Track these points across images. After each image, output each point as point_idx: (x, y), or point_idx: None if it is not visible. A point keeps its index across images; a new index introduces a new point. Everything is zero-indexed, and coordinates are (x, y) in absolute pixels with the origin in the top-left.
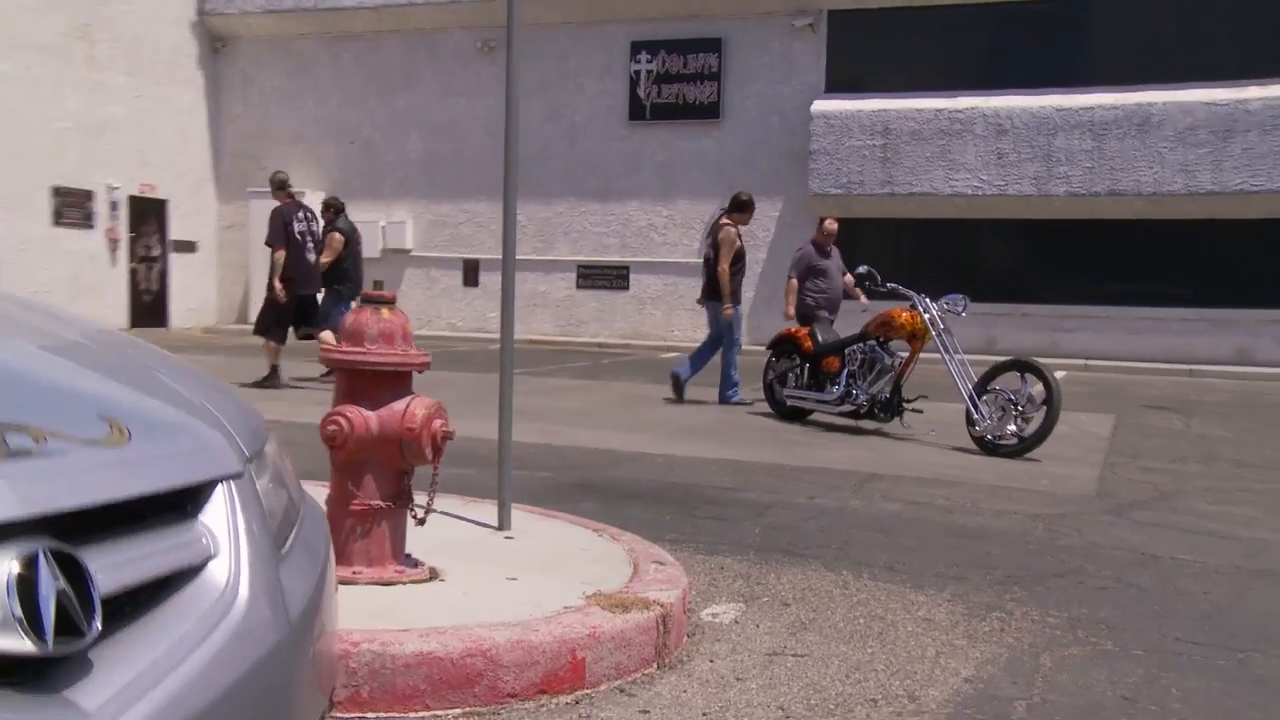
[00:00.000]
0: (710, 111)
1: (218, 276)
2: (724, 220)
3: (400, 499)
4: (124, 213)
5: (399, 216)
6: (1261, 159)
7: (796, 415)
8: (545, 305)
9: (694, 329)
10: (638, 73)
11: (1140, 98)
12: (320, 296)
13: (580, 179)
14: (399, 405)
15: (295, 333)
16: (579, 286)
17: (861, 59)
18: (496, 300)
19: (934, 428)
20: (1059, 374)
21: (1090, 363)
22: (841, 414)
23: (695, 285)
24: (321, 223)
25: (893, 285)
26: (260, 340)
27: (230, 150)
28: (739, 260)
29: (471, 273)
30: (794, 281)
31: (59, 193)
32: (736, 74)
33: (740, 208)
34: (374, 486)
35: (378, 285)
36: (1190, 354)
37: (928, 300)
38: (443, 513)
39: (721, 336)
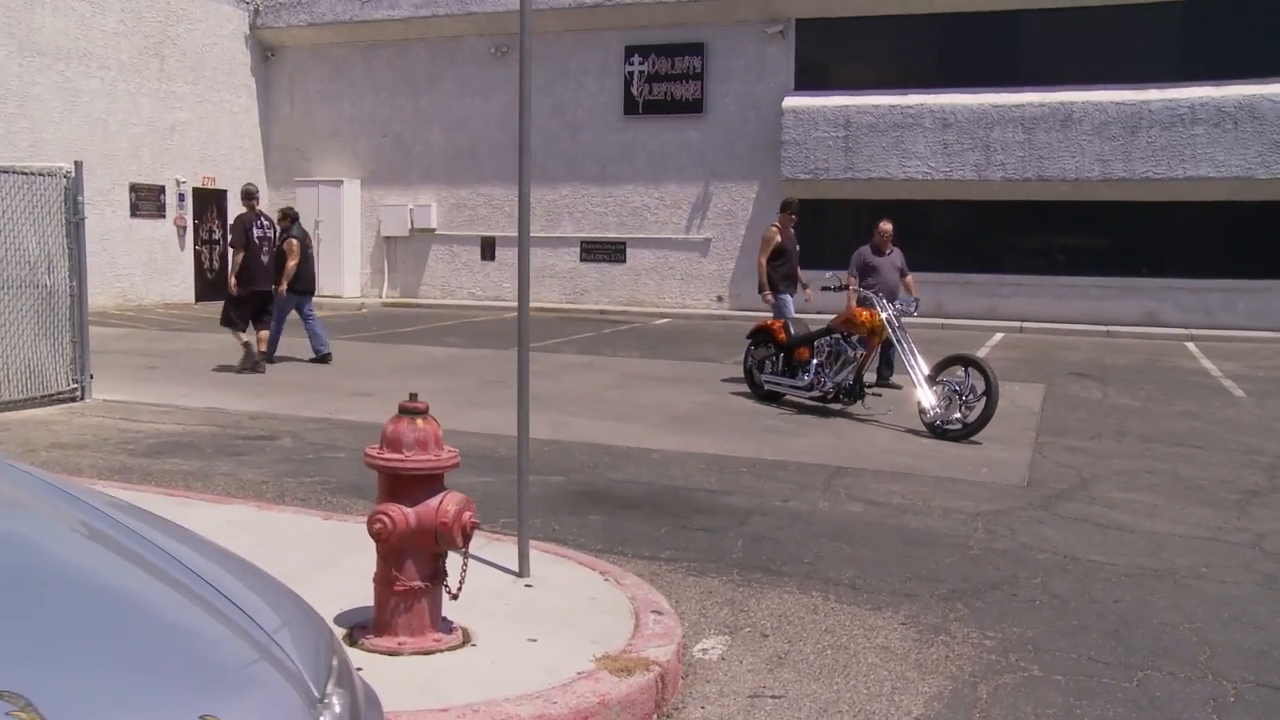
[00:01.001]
0: (695, 107)
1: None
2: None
3: (436, 578)
4: (189, 203)
5: (424, 200)
6: (1162, 151)
7: (772, 397)
8: (553, 276)
9: (683, 296)
10: (631, 73)
11: (1063, 97)
12: (276, 294)
13: (581, 166)
14: (433, 502)
15: (254, 323)
16: (582, 260)
17: (826, 61)
18: (510, 272)
19: (890, 407)
20: (997, 336)
21: (1024, 324)
22: (811, 398)
23: (684, 258)
24: (278, 230)
25: (856, 288)
26: (227, 330)
27: (279, 145)
28: (779, 255)
29: (488, 248)
30: (852, 279)
31: (135, 189)
32: (717, 74)
33: (782, 208)
34: (414, 569)
35: (413, 397)
36: (1107, 316)
37: (885, 300)
38: (471, 556)
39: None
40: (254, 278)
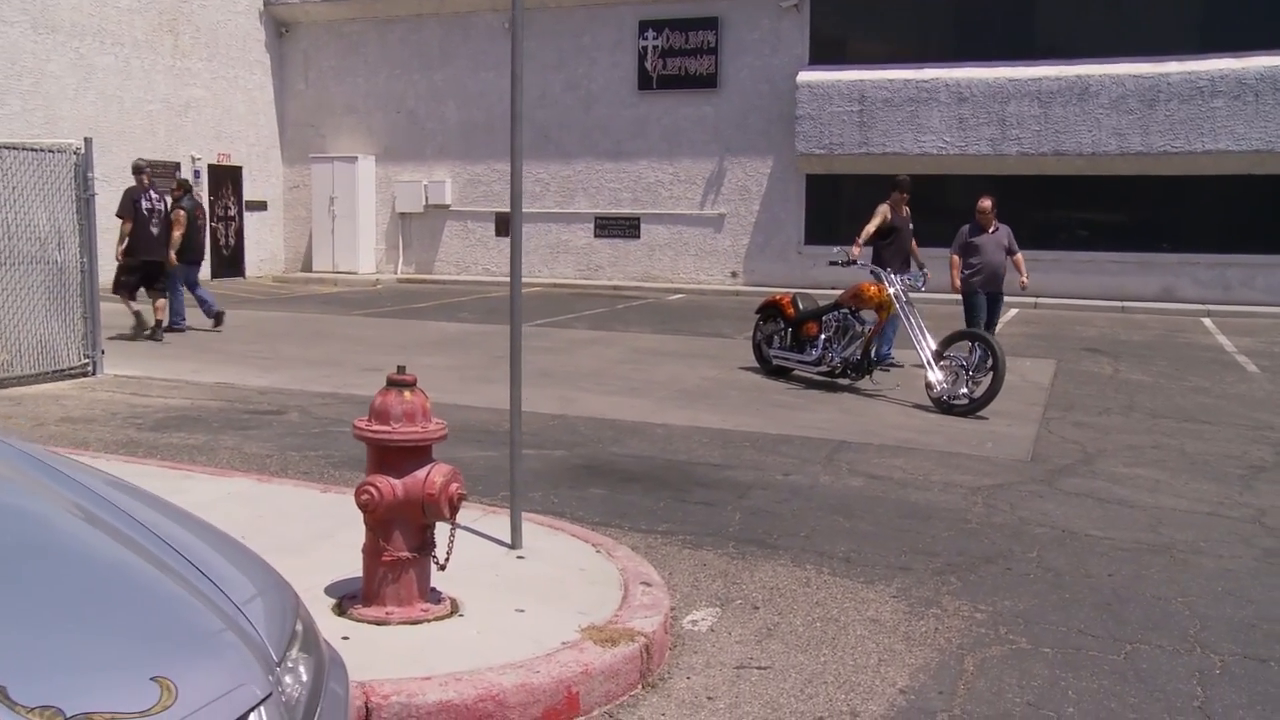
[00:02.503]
0: (709, 82)
1: (284, 231)
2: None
3: (424, 549)
4: (205, 179)
5: (439, 176)
6: (1180, 125)
7: (781, 372)
8: (567, 252)
9: (697, 271)
10: (645, 48)
11: (1080, 70)
12: (166, 264)
13: (596, 141)
14: (421, 473)
15: (147, 292)
16: (596, 235)
17: (841, 35)
18: (526, 247)
19: (898, 382)
20: (1012, 312)
21: (1039, 300)
22: (818, 373)
23: (698, 234)
24: (169, 200)
25: (863, 263)
26: (118, 300)
27: (293, 121)
28: (889, 233)
29: (503, 225)
30: (955, 258)
31: (150, 165)
32: (731, 49)
33: (893, 187)
34: (401, 540)
35: (401, 369)
36: (1123, 292)
37: (893, 275)
38: (465, 528)
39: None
40: (142, 248)
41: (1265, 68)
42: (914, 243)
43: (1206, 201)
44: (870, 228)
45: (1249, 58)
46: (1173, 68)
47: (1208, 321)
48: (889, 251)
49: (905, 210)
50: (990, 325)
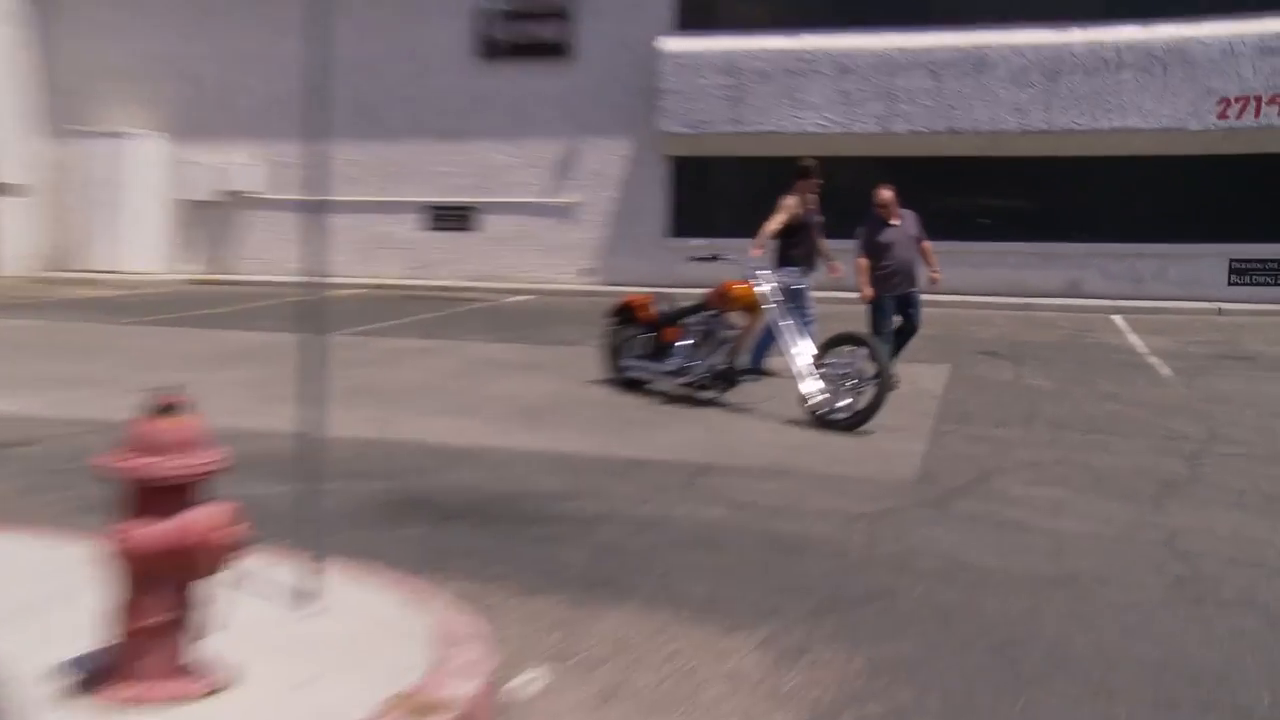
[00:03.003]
0: (560, 50)
1: (50, 219)
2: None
3: (193, 608)
4: None
5: (239, 159)
6: (1084, 100)
7: (636, 385)
8: (391, 247)
9: (544, 269)
10: (486, 10)
11: (975, 39)
12: None
13: (428, 118)
14: (189, 516)
15: None
16: (427, 228)
17: None
18: (339, 241)
19: (771, 394)
20: None
21: (934, 298)
22: (680, 385)
23: (547, 225)
24: None
25: (733, 257)
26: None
27: (59, 87)
28: (798, 230)
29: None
30: (861, 260)
31: None
32: (587, 11)
33: (798, 175)
34: (164, 599)
35: (166, 390)
36: (1025, 287)
37: (764, 273)
38: (250, 579)
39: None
40: None
41: (1173, 39)
42: (821, 236)
43: (1115, 185)
44: (774, 225)
45: (1156, 26)
46: (1076, 37)
47: (1118, 319)
48: (798, 251)
49: (814, 200)
50: (913, 330)
